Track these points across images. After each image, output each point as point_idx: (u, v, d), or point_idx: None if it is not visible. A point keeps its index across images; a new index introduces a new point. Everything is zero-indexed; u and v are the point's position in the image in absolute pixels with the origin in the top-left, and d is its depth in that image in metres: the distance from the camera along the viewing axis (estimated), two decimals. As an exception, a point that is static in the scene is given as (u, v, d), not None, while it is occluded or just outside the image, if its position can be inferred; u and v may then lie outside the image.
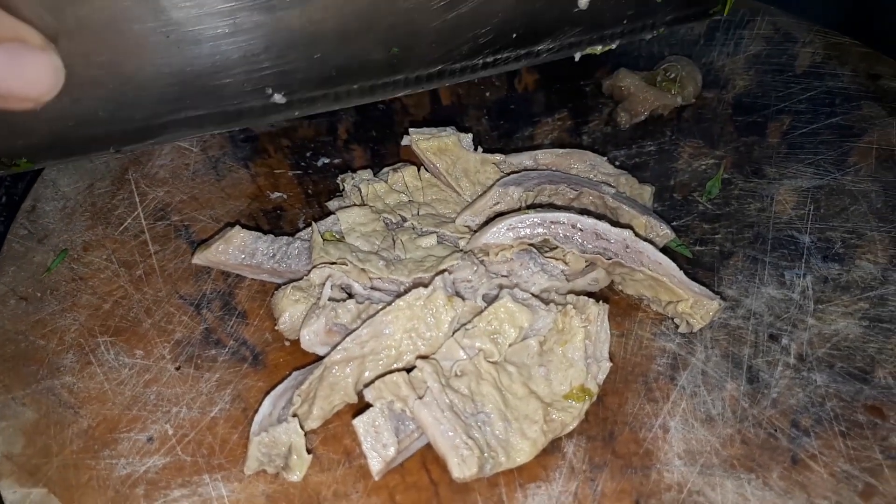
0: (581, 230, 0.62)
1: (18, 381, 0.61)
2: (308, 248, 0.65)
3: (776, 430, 0.57)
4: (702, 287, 0.62)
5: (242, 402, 0.60)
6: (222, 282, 0.69)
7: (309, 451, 0.54)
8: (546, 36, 0.68)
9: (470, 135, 0.72)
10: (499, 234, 0.62)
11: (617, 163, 0.77)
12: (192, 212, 0.75)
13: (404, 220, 0.68)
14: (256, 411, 0.56)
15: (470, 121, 0.85)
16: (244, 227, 0.66)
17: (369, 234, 0.66)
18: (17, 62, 0.40)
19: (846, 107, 0.83)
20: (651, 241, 0.62)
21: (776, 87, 0.86)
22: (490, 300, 0.59)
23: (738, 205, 0.74)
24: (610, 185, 0.69)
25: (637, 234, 0.62)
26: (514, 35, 0.66)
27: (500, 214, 0.65)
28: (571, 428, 0.56)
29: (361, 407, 0.55)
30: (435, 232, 0.66)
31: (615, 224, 0.63)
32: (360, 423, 0.53)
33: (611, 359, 0.58)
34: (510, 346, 0.57)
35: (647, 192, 0.71)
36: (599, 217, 0.63)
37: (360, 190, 0.71)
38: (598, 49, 0.73)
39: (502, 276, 0.63)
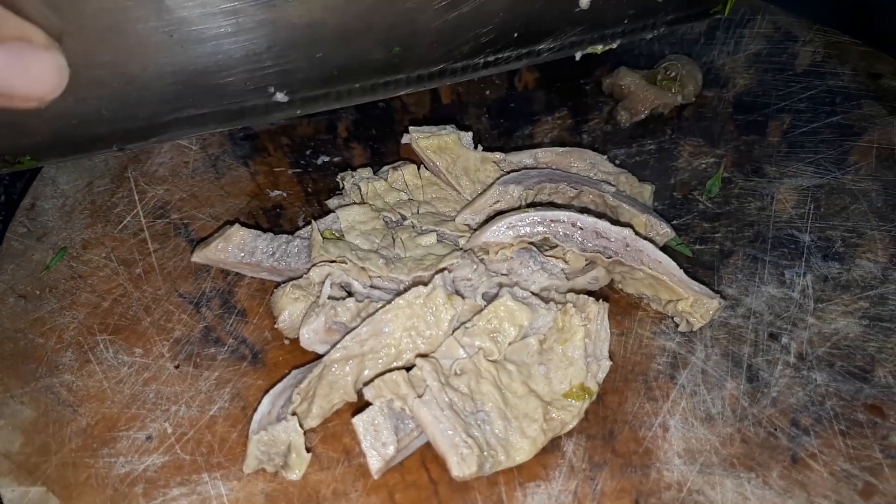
0: (581, 229, 0.61)
1: (17, 379, 0.61)
2: (307, 246, 0.65)
3: (776, 429, 0.57)
4: (702, 286, 0.62)
5: (242, 401, 0.60)
6: (222, 280, 0.69)
7: (308, 450, 0.54)
8: (547, 35, 0.68)
9: (470, 133, 0.72)
10: (499, 232, 0.62)
11: (617, 161, 0.77)
12: (192, 210, 0.75)
13: (404, 218, 0.68)
14: (255, 410, 0.56)
15: (470, 119, 0.85)
16: (244, 225, 0.66)
17: (369, 233, 0.66)
18: (21, 61, 0.40)
19: (846, 105, 0.83)
20: (651, 240, 0.62)
21: (776, 86, 0.86)
22: (490, 299, 0.59)
23: (738, 203, 0.74)
24: (610, 184, 0.69)
25: (637, 233, 0.62)
26: (515, 34, 0.66)
27: (500, 213, 0.64)
28: (571, 427, 0.56)
29: (361, 405, 0.55)
30: (435, 230, 0.66)
31: (615, 222, 0.62)
32: (359, 421, 0.53)
33: (611, 357, 0.58)
34: (510, 344, 0.57)
35: (647, 191, 0.71)
36: (599, 215, 0.63)
37: (359, 188, 0.70)
38: (599, 48, 0.73)
39: (502, 274, 0.63)
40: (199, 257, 0.66)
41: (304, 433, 0.54)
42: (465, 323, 0.58)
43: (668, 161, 0.79)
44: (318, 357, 0.58)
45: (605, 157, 0.73)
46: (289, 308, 0.61)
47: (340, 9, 0.58)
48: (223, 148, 0.81)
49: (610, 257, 0.61)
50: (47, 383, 0.61)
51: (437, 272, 0.61)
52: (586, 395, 0.56)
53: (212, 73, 0.57)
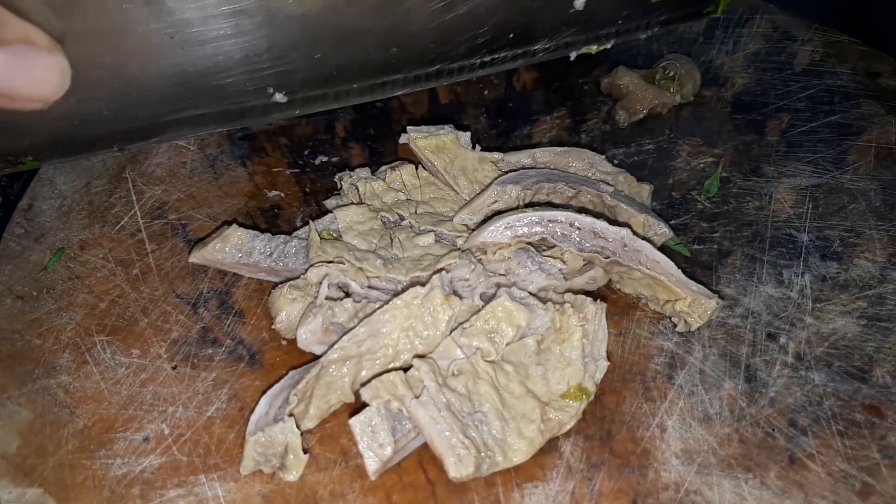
0: (579, 229, 0.61)
1: (14, 380, 0.61)
2: (305, 246, 0.65)
3: (774, 430, 0.57)
4: (700, 286, 0.62)
5: (239, 402, 0.60)
6: (219, 280, 0.69)
7: (305, 451, 0.54)
8: (542, 36, 0.69)
9: (468, 133, 0.72)
10: (496, 232, 0.62)
11: (615, 161, 0.77)
12: (190, 210, 0.75)
13: (402, 218, 0.68)
14: (253, 411, 0.56)
15: (468, 119, 0.85)
16: (241, 225, 0.66)
17: (367, 233, 0.66)
18: (24, 63, 0.40)
19: (845, 105, 0.82)
20: (649, 240, 0.62)
21: (775, 86, 0.86)
22: (487, 299, 0.59)
23: (736, 203, 0.74)
24: (608, 184, 0.69)
25: (635, 233, 0.62)
26: (511, 35, 0.67)
27: (498, 213, 0.64)
28: (569, 427, 0.56)
29: (358, 406, 0.55)
30: (433, 230, 0.66)
31: (613, 222, 0.62)
32: (356, 422, 0.53)
33: (608, 358, 0.58)
34: (507, 345, 0.57)
35: (645, 191, 0.71)
36: (597, 215, 0.63)
37: (357, 188, 0.70)
38: (594, 49, 0.73)
39: (500, 274, 0.63)
40: (196, 258, 0.66)
41: (302, 434, 0.54)
42: (462, 323, 0.58)
43: (666, 161, 0.78)
44: (316, 358, 0.58)
45: (604, 156, 0.73)
46: (286, 309, 0.61)
47: (338, 10, 0.59)
48: (221, 148, 0.81)
49: (608, 257, 0.61)
50: (44, 384, 0.61)
51: (434, 272, 0.61)
52: (584, 396, 0.56)
53: (212, 74, 0.58)
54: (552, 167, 0.72)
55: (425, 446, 0.54)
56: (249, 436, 0.54)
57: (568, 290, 0.63)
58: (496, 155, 0.72)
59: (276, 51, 0.59)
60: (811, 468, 0.55)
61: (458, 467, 0.51)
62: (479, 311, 0.58)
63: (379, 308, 0.58)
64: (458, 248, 0.64)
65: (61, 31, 0.47)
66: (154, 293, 0.68)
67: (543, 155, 0.73)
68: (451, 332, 0.57)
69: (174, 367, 0.62)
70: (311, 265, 0.62)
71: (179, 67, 0.57)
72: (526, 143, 0.82)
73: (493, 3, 0.63)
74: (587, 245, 0.61)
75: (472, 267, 0.62)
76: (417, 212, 0.69)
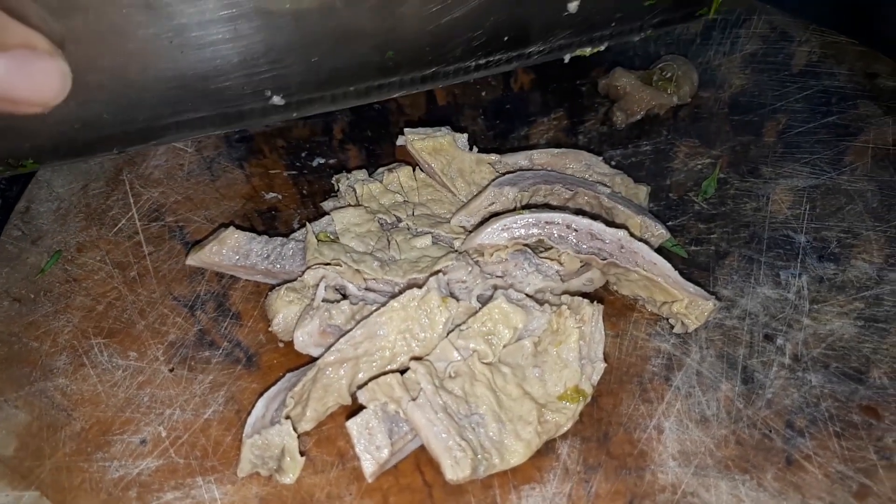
0: (576, 230, 0.61)
1: (11, 383, 0.61)
2: (302, 248, 0.65)
3: (771, 431, 0.57)
4: (697, 287, 0.62)
5: (236, 404, 0.60)
6: (216, 283, 0.69)
7: (302, 454, 0.54)
8: (536, 39, 0.69)
9: (465, 135, 0.72)
10: (494, 234, 0.62)
11: (613, 162, 0.77)
12: (187, 212, 0.75)
13: (399, 220, 0.68)
14: (250, 413, 0.56)
15: (466, 121, 0.85)
16: (238, 227, 0.66)
17: (364, 235, 0.66)
18: (25, 68, 0.41)
19: (842, 106, 0.82)
20: (646, 242, 0.62)
21: (772, 87, 0.86)
22: (484, 301, 0.59)
23: (733, 204, 0.74)
24: (605, 185, 0.69)
25: (632, 235, 0.62)
26: (506, 38, 0.67)
27: (495, 215, 0.64)
28: (566, 429, 0.56)
29: (355, 409, 0.55)
30: (430, 232, 0.66)
31: (610, 224, 0.62)
32: (353, 424, 0.53)
33: (605, 359, 0.58)
34: (504, 346, 0.57)
35: (642, 192, 0.71)
36: (594, 217, 0.63)
37: (354, 190, 0.70)
38: (588, 51, 0.74)
39: (497, 276, 0.63)
40: (193, 260, 0.66)
41: (298, 437, 0.54)
42: (459, 325, 0.58)
43: (663, 162, 0.78)
44: (313, 360, 0.58)
45: (601, 158, 0.73)
46: (283, 311, 0.61)
47: (335, 14, 0.59)
48: (218, 150, 0.81)
49: (605, 259, 0.61)
50: (41, 387, 0.61)
51: (431, 274, 0.61)
52: (581, 398, 0.56)
53: (210, 77, 0.59)
54: (549, 169, 0.72)
55: (422, 448, 0.54)
56: (246, 438, 0.54)
57: (565, 292, 0.63)
58: (493, 156, 0.72)
59: (274, 54, 0.59)
60: (808, 469, 0.55)
61: (455, 469, 0.51)
62: (476, 312, 0.58)
63: (376, 310, 0.58)
64: (456, 250, 0.64)
65: (62, 35, 0.47)
66: (151, 296, 0.68)
67: (541, 156, 0.73)
68: (447, 334, 0.57)
69: (171, 370, 0.62)
70: (308, 267, 0.62)
71: (178, 71, 0.57)
72: (523, 144, 0.82)
73: (488, 6, 0.63)
74: (584, 247, 0.61)
75: (469, 269, 0.62)
76: (415, 214, 0.69)
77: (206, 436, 0.58)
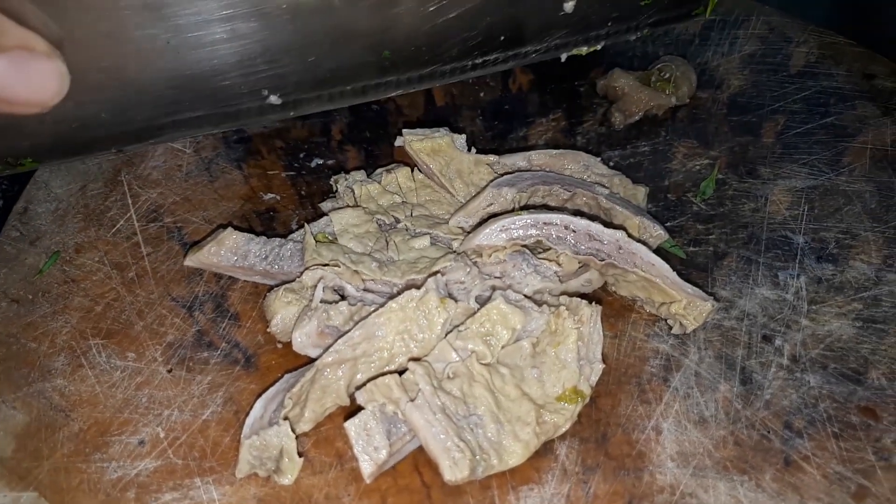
0: (574, 231, 0.61)
1: (9, 384, 0.61)
2: (301, 249, 0.65)
3: (769, 432, 0.57)
4: (695, 288, 0.62)
5: (234, 405, 0.60)
6: (215, 284, 0.69)
7: (300, 454, 0.54)
8: (533, 38, 0.69)
9: (463, 135, 0.72)
10: (492, 235, 0.62)
11: (611, 163, 0.77)
12: (185, 213, 0.75)
13: (397, 221, 0.68)
14: (248, 414, 0.56)
15: (464, 121, 0.85)
16: (237, 228, 0.66)
17: (362, 236, 0.66)
18: (24, 69, 0.41)
19: (841, 107, 0.83)
20: (644, 242, 0.62)
21: (771, 87, 0.86)
22: (483, 302, 0.59)
23: (732, 205, 0.74)
24: (604, 186, 0.69)
25: (630, 235, 0.62)
26: (502, 37, 0.67)
27: (494, 216, 0.64)
28: (564, 430, 0.56)
29: (353, 409, 0.55)
30: (428, 233, 0.66)
31: (608, 225, 0.62)
32: (351, 425, 0.53)
33: (604, 360, 0.58)
34: (503, 347, 0.57)
35: (640, 193, 0.71)
36: (593, 218, 0.63)
37: (353, 191, 0.70)
38: (584, 50, 0.74)
39: (495, 277, 0.63)
40: (192, 261, 0.66)
41: (297, 437, 0.54)
42: (457, 326, 0.58)
43: (661, 163, 0.78)
44: (311, 361, 0.58)
45: (599, 159, 0.73)
46: (281, 312, 0.61)
47: (332, 15, 0.59)
48: (217, 151, 0.81)
49: (603, 260, 0.61)
50: (39, 388, 0.61)
51: (430, 275, 0.61)
52: (579, 398, 0.56)
53: (207, 77, 0.59)
54: (547, 170, 0.72)
55: (421, 449, 0.54)
56: (244, 439, 0.54)
57: (563, 293, 0.63)
58: (492, 157, 0.72)
59: (271, 54, 0.60)
60: (806, 470, 0.55)
61: (454, 470, 0.51)
62: (475, 313, 0.58)
63: (374, 311, 0.58)
64: (454, 251, 0.64)
65: (60, 36, 0.48)
66: (149, 296, 0.68)
67: (539, 157, 0.73)
68: (446, 335, 0.57)
69: (169, 371, 0.62)
70: (307, 268, 0.62)
71: (176, 71, 0.58)
72: (521, 145, 0.82)
73: (484, 6, 0.64)
74: (582, 248, 0.61)
75: (468, 269, 0.62)
76: (413, 214, 0.69)
77: (204, 436, 0.58)
